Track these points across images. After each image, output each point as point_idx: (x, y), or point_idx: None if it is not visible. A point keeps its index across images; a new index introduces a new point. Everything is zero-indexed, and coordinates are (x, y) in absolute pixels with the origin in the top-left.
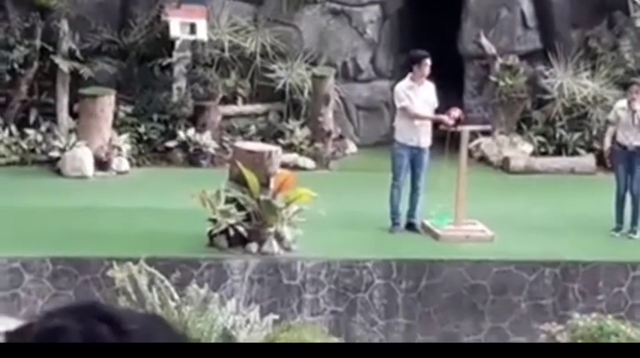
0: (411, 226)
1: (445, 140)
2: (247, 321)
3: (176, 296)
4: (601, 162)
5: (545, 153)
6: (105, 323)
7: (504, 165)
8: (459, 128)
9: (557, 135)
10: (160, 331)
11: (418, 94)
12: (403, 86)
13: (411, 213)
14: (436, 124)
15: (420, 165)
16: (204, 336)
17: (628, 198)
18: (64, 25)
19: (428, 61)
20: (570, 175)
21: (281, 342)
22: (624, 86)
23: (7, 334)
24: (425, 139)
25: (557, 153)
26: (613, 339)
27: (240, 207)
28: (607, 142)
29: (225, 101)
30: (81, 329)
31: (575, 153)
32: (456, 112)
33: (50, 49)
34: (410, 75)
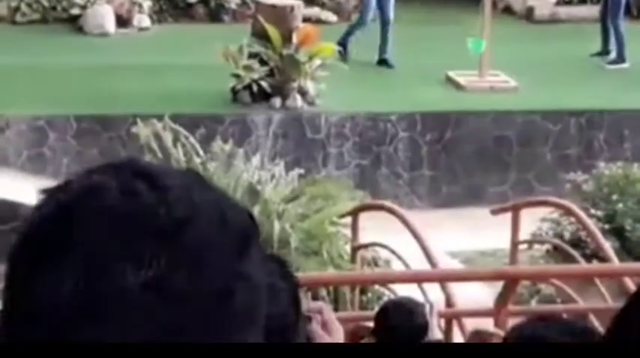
0: (383, 62)
1: None
2: (272, 176)
3: (201, 153)
4: (628, 11)
5: (569, 2)
6: (142, 179)
7: (528, 15)
8: None
9: None
10: (197, 187)
11: None
12: None
13: (382, 48)
14: None
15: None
16: (230, 192)
17: None
18: None
19: None
20: (595, 24)
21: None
22: None
23: (44, 191)
24: None
25: (582, 1)
26: (638, 187)
27: (262, 62)
28: None
29: None
30: (118, 186)
31: (600, 1)
32: None
33: None
34: None
